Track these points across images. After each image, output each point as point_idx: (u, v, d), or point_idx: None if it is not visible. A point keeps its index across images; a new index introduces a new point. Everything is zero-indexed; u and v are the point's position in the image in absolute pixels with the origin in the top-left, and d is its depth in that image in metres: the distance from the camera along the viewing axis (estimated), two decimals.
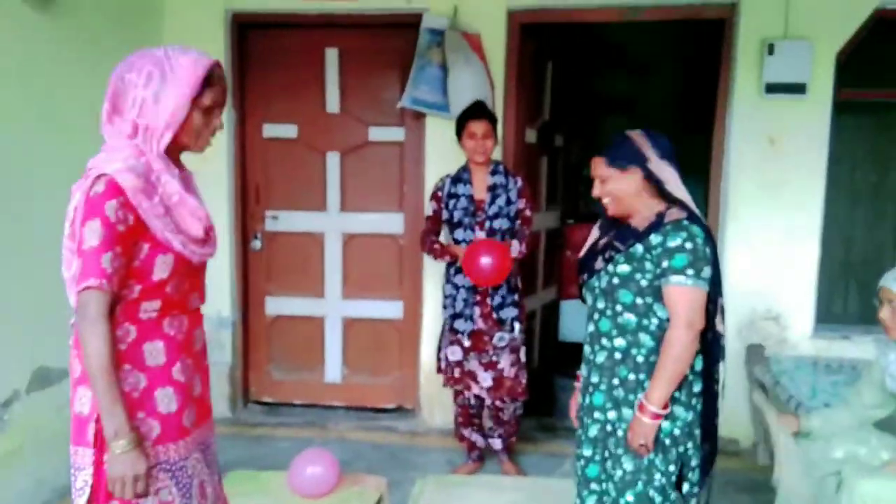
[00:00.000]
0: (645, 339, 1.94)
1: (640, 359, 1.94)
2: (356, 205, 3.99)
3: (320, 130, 3.96)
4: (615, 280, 1.95)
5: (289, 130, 3.98)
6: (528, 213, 3.19)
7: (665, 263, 1.87)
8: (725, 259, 3.64)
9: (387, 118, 3.90)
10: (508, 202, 3.16)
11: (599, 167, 2.00)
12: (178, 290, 1.63)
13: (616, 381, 1.97)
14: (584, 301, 2.11)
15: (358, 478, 3.10)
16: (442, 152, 3.74)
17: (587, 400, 2.05)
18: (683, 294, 1.85)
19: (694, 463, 1.97)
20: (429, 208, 3.27)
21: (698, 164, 3.74)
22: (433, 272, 3.85)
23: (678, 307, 1.86)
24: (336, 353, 4.09)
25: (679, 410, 1.91)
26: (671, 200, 1.94)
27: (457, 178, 3.20)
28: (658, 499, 1.94)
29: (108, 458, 1.51)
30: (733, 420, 3.72)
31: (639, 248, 1.92)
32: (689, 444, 1.94)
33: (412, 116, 3.82)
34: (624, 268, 1.94)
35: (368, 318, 4.05)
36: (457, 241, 3.18)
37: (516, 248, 3.12)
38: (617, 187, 1.97)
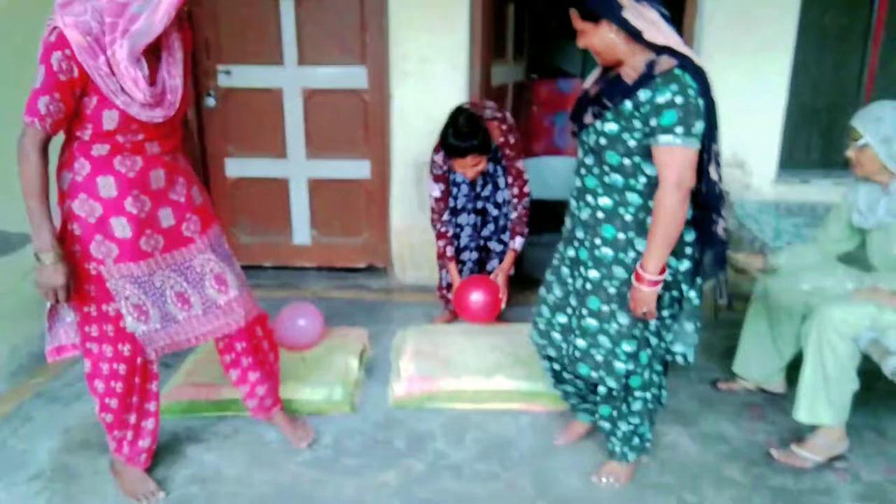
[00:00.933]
0: (633, 197, 1.92)
1: (628, 217, 1.94)
2: (315, 58, 3.76)
3: None
4: (602, 140, 1.90)
5: None
6: (522, 189, 3.12)
7: (653, 122, 1.80)
8: None
9: None
10: (496, 188, 3.19)
11: (575, 20, 1.89)
12: (129, 139, 1.84)
13: (598, 241, 1.99)
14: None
15: (340, 330, 3.17)
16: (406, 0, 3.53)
17: (572, 253, 2.08)
18: (673, 154, 1.79)
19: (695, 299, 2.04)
20: (436, 189, 3.10)
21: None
22: (401, 128, 3.74)
23: (667, 168, 1.80)
24: (303, 214, 4.01)
25: (669, 260, 1.92)
26: (658, 48, 1.83)
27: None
28: (654, 340, 2.05)
29: (36, 267, 1.81)
30: None
31: (627, 104, 1.84)
32: (685, 287, 1.99)
33: None
34: (612, 126, 1.88)
35: (334, 178, 3.95)
36: (461, 226, 3.21)
37: (519, 242, 3.15)
38: (594, 41, 1.88)
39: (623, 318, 2.00)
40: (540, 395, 2.64)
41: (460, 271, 3.27)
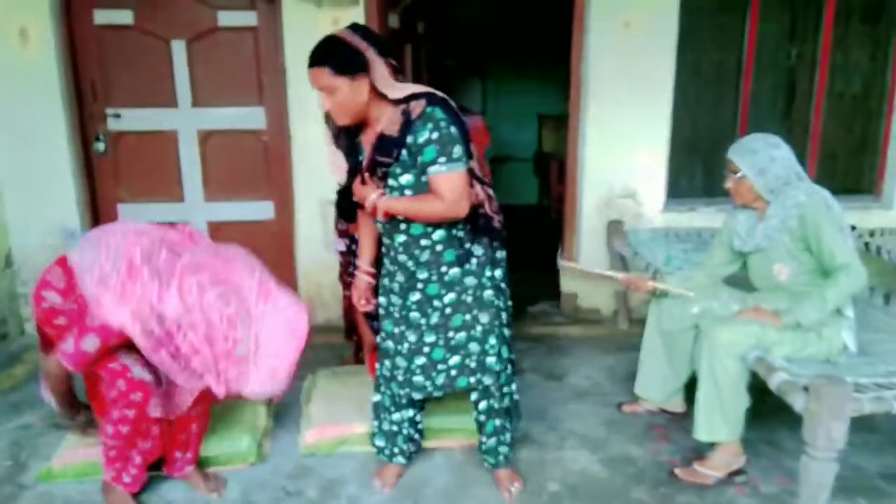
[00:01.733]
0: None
1: (459, 234, 2.12)
2: (210, 99, 3.69)
3: (160, 15, 3.56)
4: (407, 191, 2.01)
5: (123, 16, 3.55)
6: None
7: (419, 160, 1.95)
8: (587, 139, 3.79)
9: (235, 1, 3.57)
10: None
11: (323, 77, 1.92)
12: None
13: (444, 268, 2.13)
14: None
15: None
16: (303, 38, 3.50)
17: (417, 296, 2.17)
18: (440, 181, 1.95)
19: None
20: (340, 244, 3.10)
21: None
22: (302, 167, 3.71)
23: (441, 192, 1.96)
24: None
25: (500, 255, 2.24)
26: (402, 99, 1.97)
27: None
28: (507, 333, 2.28)
29: None
30: (595, 292, 4.03)
31: (404, 153, 1.97)
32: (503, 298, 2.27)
33: None
34: (407, 177, 2.00)
35: (236, 220, 3.86)
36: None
37: None
38: (345, 97, 1.93)
39: (483, 318, 2.18)
40: (453, 431, 2.64)
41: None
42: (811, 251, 2.30)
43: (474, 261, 2.15)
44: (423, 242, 2.10)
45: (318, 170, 3.65)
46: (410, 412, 2.41)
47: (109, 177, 3.74)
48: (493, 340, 2.21)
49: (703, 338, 2.37)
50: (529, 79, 7.07)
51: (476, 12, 6.60)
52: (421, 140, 1.93)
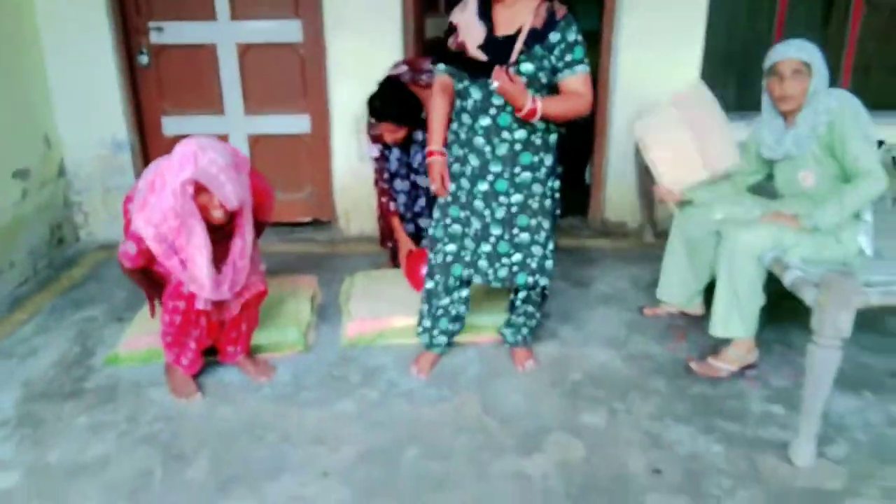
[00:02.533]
0: (539, 124, 2.24)
1: (538, 142, 2.29)
2: (248, 11, 3.76)
3: None
4: (522, 79, 2.12)
5: None
6: None
7: (568, 57, 2.15)
8: (618, 57, 3.81)
9: None
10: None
11: None
12: None
13: (518, 169, 2.29)
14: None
15: (290, 278, 3.27)
16: None
17: (485, 187, 2.32)
18: (583, 80, 2.20)
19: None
20: (374, 150, 3.12)
21: None
22: (338, 81, 3.80)
23: (582, 90, 2.19)
24: None
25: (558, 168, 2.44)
26: None
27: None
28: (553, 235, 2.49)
29: None
30: (621, 206, 4.13)
31: (538, 48, 2.14)
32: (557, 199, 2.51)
33: None
34: (528, 66, 2.15)
35: (274, 134, 3.99)
36: (396, 191, 3.17)
37: None
38: None
39: (546, 224, 2.39)
40: (485, 328, 2.82)
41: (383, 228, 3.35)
42: (835, 157, 2.37)
43: (543, 170, 2.34)
44: (505, 135, 2.25)
45: (352, 84, 3.75)
46: (463, 292, 2.57)
47: (153, 89, 3.88)
48: (551, 245, 2.46)
49: (724, 241, 2.48)
50: None
51: None
52: (570, 39, 2.16)
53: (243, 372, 2.60)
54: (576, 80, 2.19)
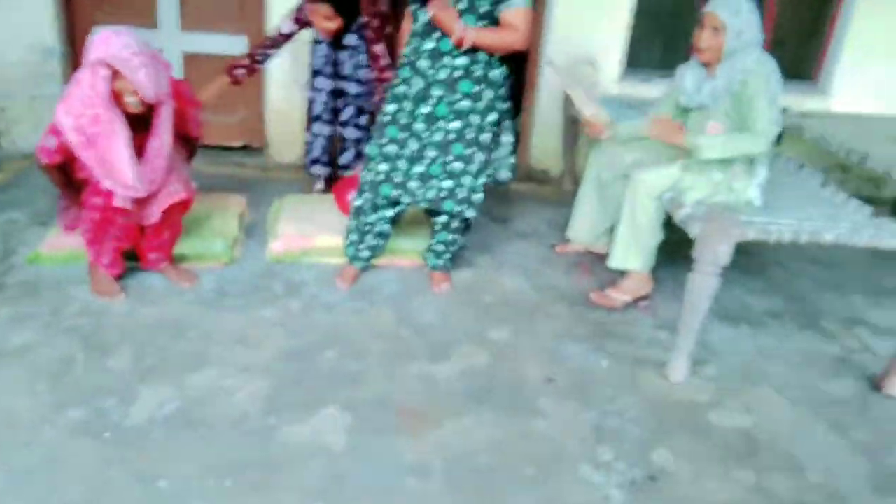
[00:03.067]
0: (481, 55, 2.38)
1: (479, 73, 2.40)
2: None
3: None
4: (460, 5, 2.29)
5: None
6: (382, 74, 3.08)
7: None
8: (553, 8, 3.96)
9: None
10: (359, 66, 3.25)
11: None
12: None
13: (458, 96, 2.41)
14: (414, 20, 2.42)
15: (219, 195, 3.32)
16: None
17: (426, 109, 2.44)
18: (520, 14, 2.31)
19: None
20: (286, 26, 3.15)
21: None
22: (277, 4, 3.80)
23: (519, 23, 2.32)
24: None
25: (501, 104, 2.52)
26: None
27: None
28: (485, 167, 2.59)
29: None
30: (546, 153, 4.32)
31: None
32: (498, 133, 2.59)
33: None
34: (485, 7, 2.30)
35: (210, 53, 3.97)
36: (316, 89, 3.29)
37: None
38: None
39: (480, 157, 2.50)
40: (406, 252, 2.98)
41: (310, 143, 3.46)
42: (740, 113, 2.56)
43: (482, 102, 2.45)
44: (446, 61, 2.37)
45: (292, 6, 3.75)
46: (389, 212, 2.70)
47: None
48: (482, 179, 2.59)
49: (629, 181, 2.69)
50: None
51: None
52: None
53: (166, 277, 2.67)
54: (514, 13, 2.32)
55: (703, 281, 2.26)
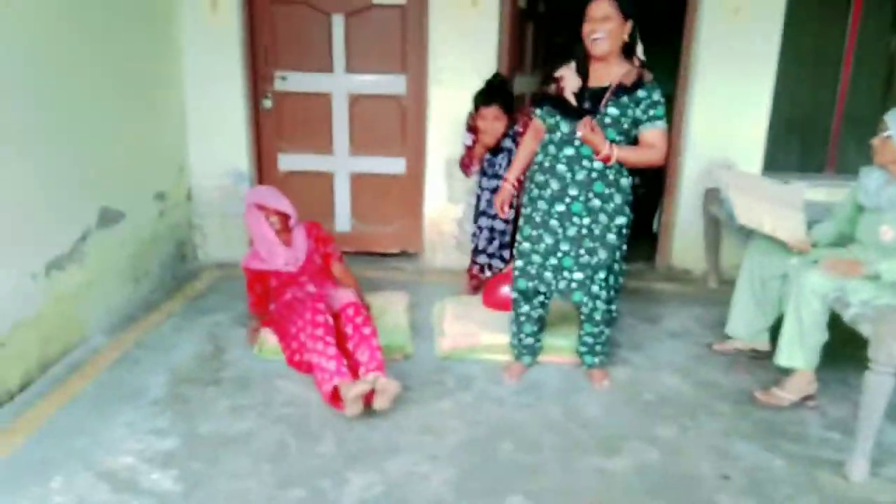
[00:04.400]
0: (616, 164, 2.65)
1: (611, 177, 2.68)
2: (361, 66, 4.29)
3: None
4: (606, 119, 2.60)
5: None
6: None
7: (651, 112, 2.59)
8: (691, 115, 4.19)
9: None
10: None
11: (605, 7, 2.55)
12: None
13: (591, 195, 2.68)
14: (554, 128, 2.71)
15: (382, 294, 3.67)
16: (445, 15, 4.07)
17: (562, 208, 2.72)
18: (660, 135, 2.63)
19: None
20: (468, 138, 3.66)
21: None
22: (434, 130, 4.26)
23: (658, 143, 2.63)
24: (345, 204, 4.53)
25: (627, 211, 2.77)
26: (641, 63, 2.63)
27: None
28: (616, 266, 2.84)
29: None
30: (687, 253, 4.43)
31: (625, 98, 2.57)
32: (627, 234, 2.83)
33: None
34: (614, 111, 2.60)
35: (373, 173, 4.47)
36: (481, 188, 3.72)
37: None
38: (613, 29, 2.56)
39: (602, 254, 2.74)
40: (564, 349, 3.16)
41: (475, 236, 3.78)
42: None
43: (612, 205, 2.70)
44: (585, 163, 2.65)
45: (446, 133, 4.20)
46: (537, 301, 2.92)
47: (273, 130, 4.41)
48: (602, 274, 2.76)
49: (793, 278, 2.77)
50: None
51: None
52: (654, 98, 2.60)
53: None
54: (654, 133, 2.62)
55: (880, 381, 2.28)
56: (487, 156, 3.65)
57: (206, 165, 4.36)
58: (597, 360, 3.01)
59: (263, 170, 4.48)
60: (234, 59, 4.18)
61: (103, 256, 3.36)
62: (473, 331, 3.24)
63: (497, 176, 3.62)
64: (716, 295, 4.03)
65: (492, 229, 3.70)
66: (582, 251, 2.73)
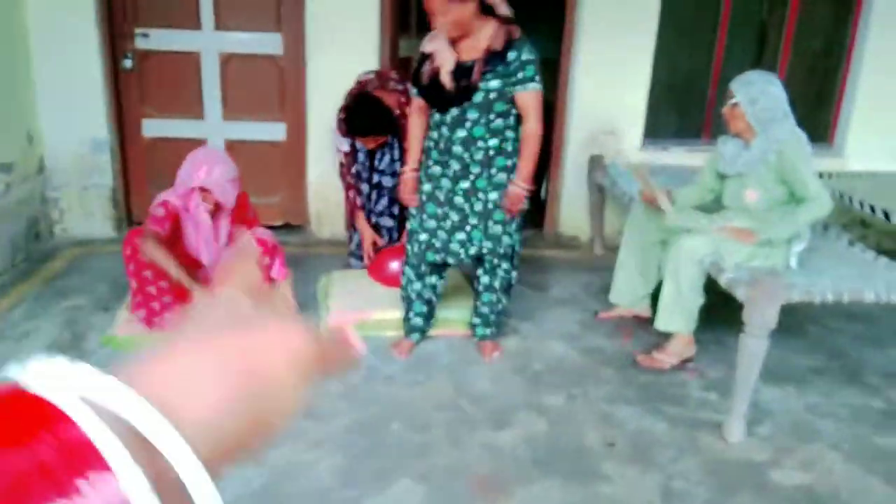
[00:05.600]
0: (509, 133, 2.60)
1: (509, 148, 2.62)
2: (232, 23, 3.98)
3: None
4: (491, 95, 2.49)
5: None
6: None
7: (520, 74, 2.47)
8: (574, 83, 4.19)
9: None
10: (393, 159, 3.45)
11: (436, 2, 2.42)
12: None
13: (494, 171, 2.62)
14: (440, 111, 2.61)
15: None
16: None
17: (466, 185, 2.65)
18: (533, 98, 2.51)
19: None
20: (344, 144, 3.41)
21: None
22: (316, 93, 4.04)
23: (533, 107, 2.52)
24: None
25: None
26: (505, 20, 2.49)
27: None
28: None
29: None
30: (574, 220, 4.48)
31: (501, 66, 2.47)
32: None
33: None
34: (496, 82, 2.48)
35: (251, 140, 4.19)
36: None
37: None
38: (456, 17, 2.43)
39: (518, 219, 2.75)
40: (454, 322, 3.10)
41: (351, 237, 3.62)
42: (784, 183, 2.71)
43: (514, 175, 2.64)
44: (480, 144, 2.57)
45: (329, 95, 3.97)
46: (433, 278, 2.88)
47: (136, 93, 4.03)
48: (517, 236, 2.80)
49: (671, 245, 2.83)
50: (520, 22, 7.38)
51: None
52: (525, 57, 2.46)
53: None
54: (526, 95, 2.52)
55: (754, 344, 2.36)
56: (363, 156, 3.46)
57: (59, 133, 3.94)
58: (488, 331, 2.97)
59: (126, 137, 4.10)
60: (87, 13, 3.76)
61: None
62: (361, 306, 3.12)
63: (379, 173, 3.46)
64: (601, 261, 4.09)
65: (379, 185, 3.50)
66: (490, 223, 2.70)
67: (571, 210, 4.45)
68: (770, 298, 2.29)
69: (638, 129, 4.30)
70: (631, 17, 4.06)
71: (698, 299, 2.81)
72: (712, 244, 2.72)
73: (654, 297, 3.10)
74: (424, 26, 4.84)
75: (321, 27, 3.92)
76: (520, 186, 2.62)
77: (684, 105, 4.43)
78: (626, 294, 3.28)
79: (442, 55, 2.53)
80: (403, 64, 4.41)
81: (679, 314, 2.82)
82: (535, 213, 4.60)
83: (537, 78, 2.50)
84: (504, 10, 2.51)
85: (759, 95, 2.70)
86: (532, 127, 2.56)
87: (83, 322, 3.04)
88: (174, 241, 2.90)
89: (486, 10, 2.48)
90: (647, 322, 3.26)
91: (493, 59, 2.47)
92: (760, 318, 2.31)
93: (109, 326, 2.93)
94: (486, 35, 2.49)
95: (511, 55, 2.46)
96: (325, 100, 4.01)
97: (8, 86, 3.59)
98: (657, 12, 4.07)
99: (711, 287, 2.77)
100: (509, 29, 2.50)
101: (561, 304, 3.56)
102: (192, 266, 2.93)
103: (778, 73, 4.39)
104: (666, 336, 2.94)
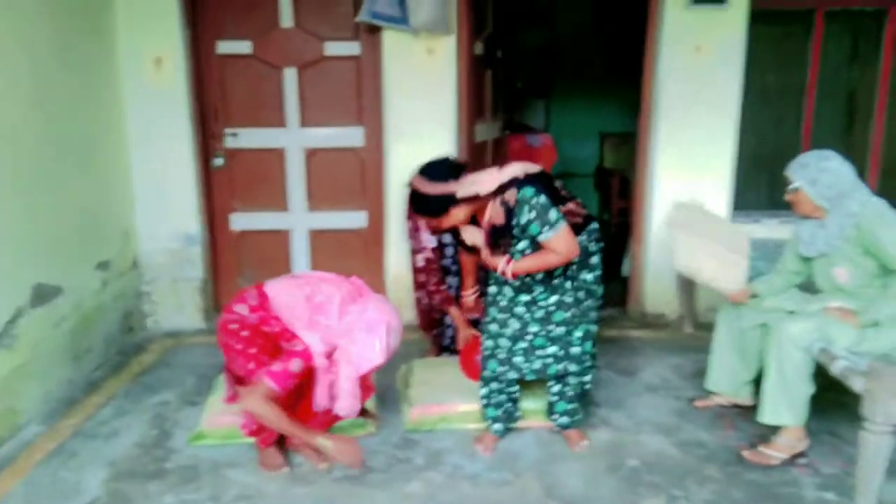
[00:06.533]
0: (557, 271, 2.62)
1: (569, 300, 2.65)
2: (316, 119, 4.13)
3: (275, 46, 4.04)
4: (527, 251, 2.56)
5: (243, 46, 4.03)
6: None
7: (528, 233, 2.47)
8: (657, 155, 4.09)
9: (341, 32, 4.02)
10: None
11: (429, 221, 2.57)
12: None
13: (552, 326, 2.66)
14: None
15: None
16: (401, 65, 3.94)
17: (526, 297, 2.65)
18: (550, 242, 2.45)
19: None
20: (433, 240, 3.38)
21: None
22: (394, 183, 4.10)
23: (554, 249, 2.46)
24: (303, 263, 4.31)
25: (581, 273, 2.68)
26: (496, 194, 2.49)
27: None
28: (593, 329, 2.78)
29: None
30: (660, 297, 4.29)
31: (515, 231, 2.50)
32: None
33: (367, 30, 3.96)
34: (523, 244, 2.56)
35: (333, 229, 4.28)
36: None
37: None
38: (453, 220, 2.54)
39: (572, 312, 2.68)
40: (540, 413, 2.95)
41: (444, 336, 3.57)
42: (871, 255, 2.55)
43: (573, 266, 2.60)
44: (540, 304, 2.64)
45: (407, 183, 4.04)
46: (510, 386, 2.82)
47: (225, 189, 4.21)
48: (578, 333, 2.66)
49: (773, 330, 2.63)
50: (590, 98, 7.38)
51: (541, 36, 7.00)
52: (524, 221, 2.46)
53: (305, 458, 2.72)
54: (545, 244, 2.47)
55: (877, 441, 2.13)
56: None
57: (153, 229, 4.13)
58: (568, 420, 2.83)
59: (215, 231, 4.26)
60: (181, 117, 3.98)
61: (38, 337, 3.09)
62: (443, 397, 3.03)
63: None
64: (692, 341, 3.88)
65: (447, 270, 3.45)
66: (552, 326, 2.65)
67: (657, 286, 4.27)
68: (893, 391, 2.07)
69: (724, 200, 4.14)
70: (711, 87, 3.97)
71: (807, 389, 2.59)
72: (818, 328, 2.52)
73: (756, 383, 2.88)
74: (499, 109, 4.91)
75: (400, 118, 4.02)
76: (505, 265, 2.51)
77: (775, 176, 4.24)
78: (725, 381, 3.07)
79: (472, 235, 2.65)
80: (480, 148, 4.46)
81: (786, 405, 2.59)
82: (619, 290, 4.46)
83: (546, 226, 2.42)
84: (488, 187, 2.48)
85: (818, 175, 2.61)
86: (550, 257, 2.48)
87: (171, 418, 3.07)
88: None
89: (474, 198, 2.50)
90: (749, 410, 3.03)
91: (500, 232, 2.53)
92: (883, 414, 2.09)
93: (196, 423, 2.94)
94: (490, 212, 2.54)
95: (514, 222, 2.48)
96: (402, 187, 4.07)
97: (108, 187, 3.82)
98: (740, 80, 3.97)
99: (819, 370, 2.55)
100: (504, 198, 2.48)
101: (652, 390, 3.36)
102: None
103: (873, 138, 4.18)
104: (773, 427, 2.70)
